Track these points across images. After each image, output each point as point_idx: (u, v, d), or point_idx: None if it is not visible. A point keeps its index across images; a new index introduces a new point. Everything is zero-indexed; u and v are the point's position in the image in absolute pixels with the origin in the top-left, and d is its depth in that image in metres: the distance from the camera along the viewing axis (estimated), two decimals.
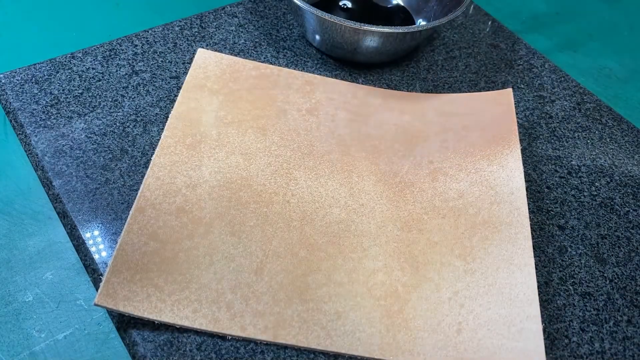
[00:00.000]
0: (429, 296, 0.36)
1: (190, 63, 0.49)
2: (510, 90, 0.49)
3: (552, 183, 0.45)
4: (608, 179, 0.46)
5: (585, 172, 0.46)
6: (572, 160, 0.47)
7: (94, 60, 0.48)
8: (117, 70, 0.48)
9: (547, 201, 0.43)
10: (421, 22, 0.56)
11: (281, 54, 0.51)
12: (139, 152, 0.42)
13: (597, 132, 0.49)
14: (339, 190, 0.41)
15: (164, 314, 0.34)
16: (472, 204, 0.41)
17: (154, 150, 0.43)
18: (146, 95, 0.46)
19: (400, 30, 0.46)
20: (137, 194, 0.39)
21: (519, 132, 0.48)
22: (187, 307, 0.34)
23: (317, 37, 0.50)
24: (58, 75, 0.47)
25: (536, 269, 0.39)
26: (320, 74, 0.50)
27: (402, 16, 0.56)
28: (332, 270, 0.37)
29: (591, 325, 0.37)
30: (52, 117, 0.44)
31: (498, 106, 0.48)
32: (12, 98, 0.45)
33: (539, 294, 0.38)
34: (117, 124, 0.44)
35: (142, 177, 0.41)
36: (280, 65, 0.50)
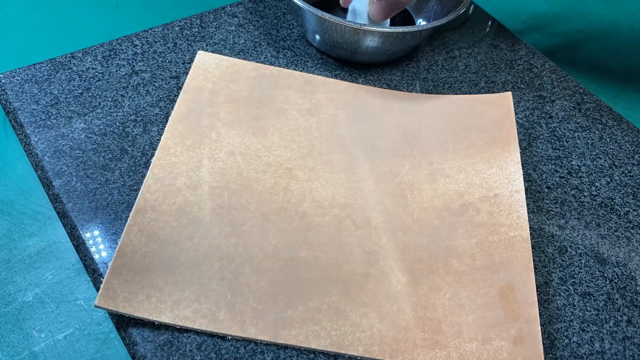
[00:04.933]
0: (429, 297, 0.36)
1: (190, 63, 0.49)
2: (509, 93, 0.49)
3: (552, 183, 0.45)
4: (608, 179, 0.46)
5: (585, 172, 0.46)
6: (572, 160, 0.47)
7: (94, 60, 0.48)
8: (117, 70, 0.48)
9: (547, 201, 0.43)
10: (421, 22, 0.56)
11: (281, 54, 0.51)
12: (139, 152, 0.42)
13: (597, 132, 0.49)
14: (339, 190, 0.41)
15: (164, 315, 0.34)
16: (471, 205, 0.41)
17: (154, 150, 0.43)
18: (146, 95, 0.46)
19: (400, 30, 0.46)
20: (137, 194, 0.39)
21: (519, 133, 0.48)
22: (187, 308, 0.34)
23: (317, 37, 0.50)
24: (58, 75, 0.47)
25: (536, 269, 0.39)
26: (320, 74, 0.50)
27: (402, 16, 0.56)
28: (332, 270, 0.37)
29: (591, 325, 0.37)
30: (52, 117, 0.44)
31: (498, 109, 0.48)
32: (12, 98, 0.45)
33: (538, 294, 0.38)
34: (117, 124, 0.44)
35: (142, 177, 0.41)
36: (280, 66, 0.50)
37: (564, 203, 0.43)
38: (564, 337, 0.36)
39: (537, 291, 0.38)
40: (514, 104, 0.50)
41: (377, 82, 0.50)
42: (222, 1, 0.57)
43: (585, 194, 0.44)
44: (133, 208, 0.38)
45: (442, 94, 0.50)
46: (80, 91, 0.46)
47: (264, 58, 0.50)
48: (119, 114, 0.45)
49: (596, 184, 0.45)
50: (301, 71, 0.50)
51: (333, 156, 0.43)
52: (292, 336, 0.34)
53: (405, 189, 0.42)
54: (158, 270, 0.35)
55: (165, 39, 0.51)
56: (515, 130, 0.46)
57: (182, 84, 0.47)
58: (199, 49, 0.50)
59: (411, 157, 0.44)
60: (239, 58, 0.50)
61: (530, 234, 0.41)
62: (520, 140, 0.47)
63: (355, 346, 0.34)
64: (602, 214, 0.43)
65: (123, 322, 0.34)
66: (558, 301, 0.38)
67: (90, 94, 0.46)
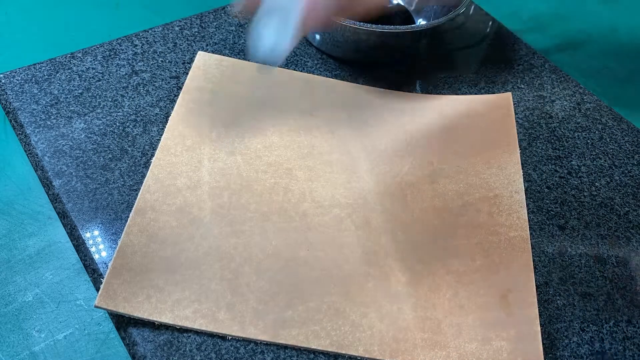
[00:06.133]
0: (428, 297, 0.36)
1: (190, 63, 0.49)
2: (509, 94, 0.49)
3: (552, 183, 0.45)
4: (608, 179, 0.46)
5: (585, 172, 0.46)
6: (572, 160, 0.47)
7: (94, 60, 0.48)
8: (117, 70, 0.48)
9: (547, 201, 0.43)
10: (421, 22, 0.56)
11: None
12: (139, 152, 0.42)
13: (597, 132, 0.49)
14: (339, 190, 0.41)
15: (164, 315, 0.34)
16: (471, 205, 0.41)
17: (154, 150, 0.43)
18: (146, 95, 0.46)
19: (401, 30, 0.46)
20: (137, 194, 0.39)
21: (519, 133, 0.48)
22: (187, 308, 0.34)
23: (317, 36, 0.50)
24: (58, 75, 0.47)
25: (536, 269, 0.39)
26: (320, 74, 0.50)
27: (402, 16, 0.56)
28: (332, 270, 0.37)
29: (591, 325, 0.37)
30: (52, 117, 0.44)
31: (498, 109, 0.48)
32: (12, 98, 0.45)
33: (538, 294, 0.38)
34: (117, 124, 0.44)
35: (142, 177, 0.41)
36: (280, 66, 0.50)
37: (564, 203, 0.43)
38: (564, 337, 0.36)
39: (537, 291, 0.38)
40: (514, 104, 0.50)
41: (377, 82, 0.50)
42: (222, 1, 0.57)
43: (585, 194, 0.44)
44: (133, 208, 0.38)
45: (442, 94, 0.50)
46: (80, 91, 0.46)
47: None
48: (119, 114, 0.45)
49: (596, 184, 0.45)
50: (301, 71, 0.50)
51: (333, 156, 0.43)
52: (292, 336, 0.34)
53: (405, 189, 0.42)
54: (158, 271, 0.35)
55: (165, 39, 0.51)
56: (515, 131, 0.46)
57: (182, 84, 0.47)
58: (199, 49, 0.50)
59: (411, 157, 0.44)
60: (239, 58, 0.50)
61: (530, 234, 0.41)
62: (520, 140, 0.47)
63: (355, 346, 0.34)
64: (602, 214, 0.43)
65: (123, 322, 0.34)
66: (558, 301, 0.38)
67: (90, 94, 0.46)
